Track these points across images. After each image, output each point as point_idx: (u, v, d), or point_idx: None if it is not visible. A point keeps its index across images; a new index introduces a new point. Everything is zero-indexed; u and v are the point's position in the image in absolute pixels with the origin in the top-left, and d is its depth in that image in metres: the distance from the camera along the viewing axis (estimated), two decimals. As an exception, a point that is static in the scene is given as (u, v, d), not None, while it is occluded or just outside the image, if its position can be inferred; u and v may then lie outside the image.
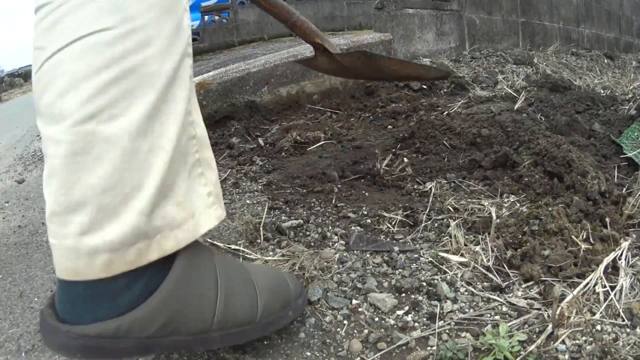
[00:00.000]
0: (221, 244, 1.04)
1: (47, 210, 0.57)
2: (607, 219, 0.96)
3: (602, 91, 2.47)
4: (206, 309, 0.63)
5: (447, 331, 0.74)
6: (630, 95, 2.28)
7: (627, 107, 1.86)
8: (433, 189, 1.21)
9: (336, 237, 1.05)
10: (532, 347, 0.68)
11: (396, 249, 0.98)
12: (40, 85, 0.56)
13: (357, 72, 1.54)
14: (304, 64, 1.71)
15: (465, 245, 0.95)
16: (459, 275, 0.88)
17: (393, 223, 1.09)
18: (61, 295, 0.58)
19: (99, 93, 0.54)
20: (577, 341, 0.69)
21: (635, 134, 1.50)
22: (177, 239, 0.60)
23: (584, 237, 0.90)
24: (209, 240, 1.06)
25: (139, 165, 0.56)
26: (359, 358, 0.72)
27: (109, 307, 0.57)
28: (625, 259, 0.84)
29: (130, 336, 0.57)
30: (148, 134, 0.57)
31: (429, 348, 0.72)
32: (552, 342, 0.69)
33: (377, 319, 0.79)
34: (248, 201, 1.27)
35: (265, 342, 0.76)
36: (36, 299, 0.93)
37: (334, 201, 1.22)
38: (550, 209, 0.97)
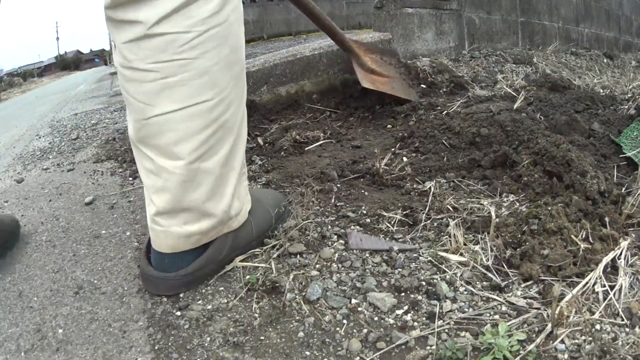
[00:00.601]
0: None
1: (153, 209, 0.85)
2: (607, 219, 0.96)
3: (601, 91, 2.47)
4: (248, 231, 0.97)
5: (446, 330, 0.74)
6: (629, 95, 2.28)
7: (626, 107, 1.86)
8: (432, 189, 1.21)
9: (335, 236, 1.05)
10: (531, 347, 0.68)
11: (395, 248, 0.98)
12: (149, 130, 0.79)
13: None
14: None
15: (465, 244, 0.95)
16: (459, 274, 0.88)
17: (392, 222, 1.08)
18: (158, 259, 0.88)
19: (202, 144, 0.80)
20: (576, 340, 0.69)
21: (635, 134, 1.50)
22: (238, 220, 0.93)
23: (583, 236, 0.90)
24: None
25: (223, 183, 0.86)
26: (358, 357, 0.72)
27: (192, 256, 0.88)
28: (624, 259, 0.84)
29: (212, 261, 0.91)
30: (229, 162, 0.86)
31: (428, 347, 0.72)
32: (551, 342, 0.69)
33: (376, 319, 0.79)
34: (247, 200, 1.27)
35: (265, 342, 0.76)
36: (35, 299, 0.92)
37: (333, 200, 1.22)
38: (549, 208, 0.97)
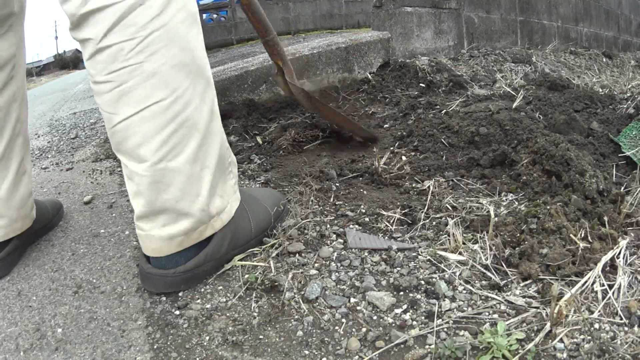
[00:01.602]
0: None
1: (135, 214, 0.86)
2: (605, 218, 0.96)
3: (600, 90, 2.47)
4: (247, 229, 0.99)
5: (445, 330, 0.75)
6: (628, 94, 2.28)
7: (625, 106, 1.86)
8: (431, 187, 1.21)
9: (334, 235, 1.05)
10: (530, 346, 0.68)
11: (394, 247, 0.98)
12: (117, 137, 0.82)
13: (304, 101, 1.68)
14: (274, 77, 1.83)
15: (464, 243, 0.95)
16: (457, 273, 0.88)
17: (391, 221, 1.08)
18: (156, 256, 0.88)
19: (164, 143, 0.81)
20: (575, 339, 0.69)
21: (634, 133, 1.50)
22: (222, 220, 0.92)
23: (582, 235, 0.90)
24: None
25: (195, 181, 0.86)
26: (357, 356, 0.72)
27: (190, 254, 0.89)
28: (623, 258, 0.84)
29: (211, 259, 0.92)
30: (199, 160, 0.85)
31: (427, 346, 0.72)
32: (550, 341, 0.69)
33: (375, 318, 0.79)
34: (246, 199, 1.27)
35: (264, 341, 0.76)
36: (34, 298, 0.92)
37: (332, 199, 1.22)
38: (548, 207, 0.97)
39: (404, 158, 1.45)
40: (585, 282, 0.79)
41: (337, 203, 1.20)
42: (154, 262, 0.89)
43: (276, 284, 0.88)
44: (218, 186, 0.90)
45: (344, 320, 0.79)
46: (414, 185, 1.28)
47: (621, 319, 0.72)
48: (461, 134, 1.52)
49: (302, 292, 0.86)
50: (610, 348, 0.65)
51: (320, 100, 1.59)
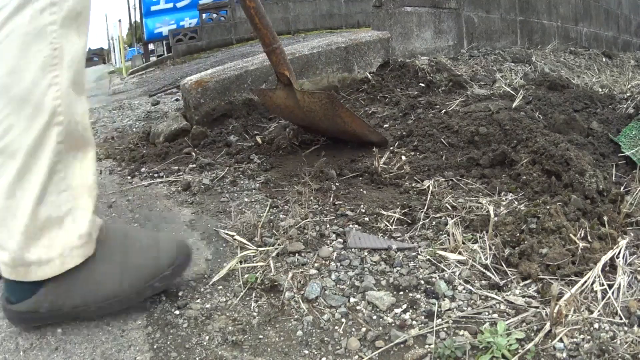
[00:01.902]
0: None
1: None
2: (605, 218, 0.96)
3: (600, 90, 2.48)
4: (79, 293, 0.82)
5: (445, 329, 0.75)
6: (628, 94, 2.28)
7: (625, 106, 1.86)
8: (431, 187, 1.21)
9: (334, 235, 1.05)
10: (529, 345, 0.68)
11: (394, 247, 0.98)
12: None
13: (305, 115, 1.57)
14: (260, 94, 1.80)
15: (463, 243, 0.95)
16: (457, 273, 0.88)
17: (391, 221, 1.08)
18: (4, 285, 0.83)
19: None
20: (574, 339, 0.69)
21: (633, 133, 1.50)
22: (45, 272, 0.79)
23: (582, 235, 0.90)
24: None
25: (10, 218, 0.76)
26: (356, 356, 0.72)
27: (26, 293, 0.80)
28: (623, 257, 0.84)
29: (41, 310, 0.80)
30: (14, 196, 0.76)
31: (427, 346, 0.72)
32: (549, 340, 0.69)
33: (375, 317, 0.79)
34: (246, 199, 1.27)
35: (264, 340, 0.76)
36: (33, 298, 0.92)
37: (331, 199, 1.22)
38: (548, 207, 0.97)
39: (403, 158, 1.45)
40: (585, 281, 0.79)
41: (336, 203, 1.20)
42: (4, 288, 0.83)
43: (276, 283, 0.88)
44: (44, 233, 0.78)
45: (343, 319, 0.79)
46: (413, 185, 1.28)
47: (621, 318, 0.72)
48: (461, 134, 1.52)
49: (302, 292, 0.86)
50: (610, 348, 0.65)
51: (342, 105, 1.46)
